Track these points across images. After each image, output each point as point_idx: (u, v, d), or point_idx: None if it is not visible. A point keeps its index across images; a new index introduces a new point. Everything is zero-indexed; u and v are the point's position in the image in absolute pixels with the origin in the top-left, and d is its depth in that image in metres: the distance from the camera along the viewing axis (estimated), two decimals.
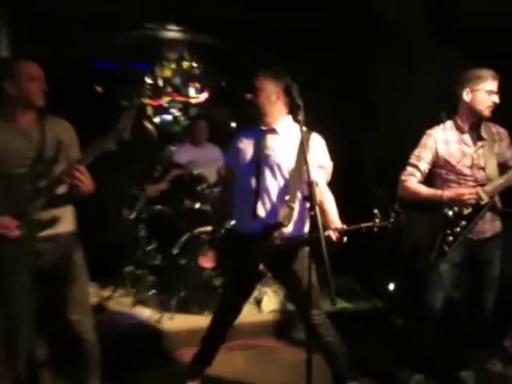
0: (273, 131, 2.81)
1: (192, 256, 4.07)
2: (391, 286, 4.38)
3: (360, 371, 3.03)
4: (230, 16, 5.10)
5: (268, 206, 2.76)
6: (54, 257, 2.58)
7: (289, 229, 2.75)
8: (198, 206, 4.34)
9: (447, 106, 3.08)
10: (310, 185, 2.25)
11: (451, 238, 2.88)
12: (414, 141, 3.08)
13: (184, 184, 4.45)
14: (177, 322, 3.96)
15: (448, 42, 3.90)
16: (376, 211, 2.51)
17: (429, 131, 3.04)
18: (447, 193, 2.88)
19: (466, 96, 2.87)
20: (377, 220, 2.52)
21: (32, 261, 2.52)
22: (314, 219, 2.20)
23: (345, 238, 2.62)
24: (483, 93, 2.82)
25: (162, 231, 4.57)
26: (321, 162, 2.80)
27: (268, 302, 4.24)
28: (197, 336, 3.32)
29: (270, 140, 2.80)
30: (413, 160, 3.03)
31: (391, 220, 2.48)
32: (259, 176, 2.76)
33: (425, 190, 2.98)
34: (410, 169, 3.03)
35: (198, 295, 4.06)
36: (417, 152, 3.03)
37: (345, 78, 5.00)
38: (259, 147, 2.79)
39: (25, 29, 3.46)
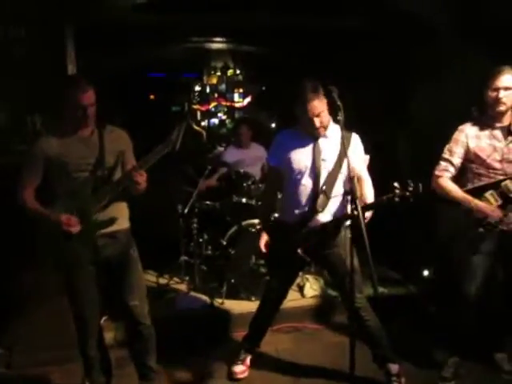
0: (324, 136, 2.78)
1: (240, 246, 4.09)
2: (425, 273, 4.27)
3: (397, 353, 2.97)
4: (269, 24, 5.07)
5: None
6: (113, 251, 2.62)
7: (324, 216, 2.75)
8: (244, 200, 4.33)
9: (478, 102, 2.97)
10: (351, 180, 2.20)
11: (482, 229, 2.78)
12: (445, 136, 2.98)
13: (231, 181, 4.46)
14: (227, 307, 3.97)
15: (476, 39, 3.75)
16: (396, 184, 2.43)
17: (460, 127, 2.94)
18: (476, 203, 2.76)
19: (485, 93, 2.80)
20: (396, 191, 2.42)
21: (94, 254, 2.57)
22: (355, 212, 2.16)
23: (367, 214, 2.57)
24: (489, 90, 2.76)
25: (212, 224, 4.60)
26: (363, 157, 2.82)
27: (310, 288, 4.21)
28: (246, 319, 3.34)
29: (323, 144, 2.77)
30: (446, 155, 2.94)
31: (410, 189, 2.38)
32: (316, 178, 2.74)
33: (456, 191, 2.85)
34: (443, 163, 2.93)
35: (246, 282, 4.06)
36: (449, 147, 2.93)
37: (377, 77, 4.89)
38: (313, 153, 2.76)
39: (86, 41, 3.50)
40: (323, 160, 2.75)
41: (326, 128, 2.75)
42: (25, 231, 2.96)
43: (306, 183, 2.77)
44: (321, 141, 2.77)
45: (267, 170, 3.33)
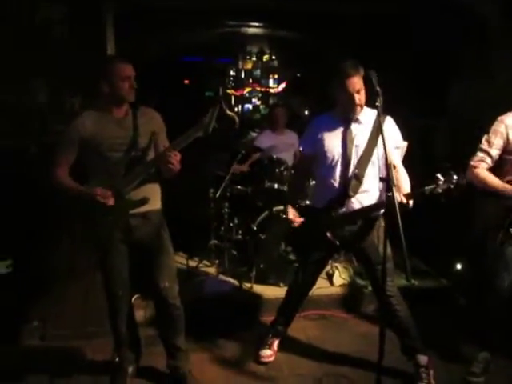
0: (357, 121, 2.74)
1: (270, 232, 4.10)
2: (458, 266, 4.19)
3: (426, 346, 2.92)
4: (306, 9, 4.99)
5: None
6: (144, 231, 2.66)
7: (356, 201, 2.72)
8: (276, 186, 4.31)
9: None
10: (388, 167, 2.15)
11: None
12: (484, 128, 2.90)
13: (264, 166, 4.44)
14: (255, 292, 4.00)
15: None
16: (438, 175, 2.37)
17: (500, 117, 2.85)
18: None
19: None
20: (440, 182, 2.38)
21: (127, 234, 2.62)
22: (391, 200, 2.12)
23: (411, 202, 2.51)
24: None
25: (244, 209, 4.62)
26: (396, 143, 2.74)
27: (339, 276, 4.20)
28: (273, 305, 3.36)
29: (355, 130, 2.73)
30: (484, 146, 2.86)
31: (454, 181, 2.32)
32: (349, 163, 2.71)
33: (495, 181, 2.78)
34: (480, 154, 2.86)
35: (275, 268, 4.08)
36: (488, 138, 2.85)
37: (418, 64, 4.77)
38: (346, 138, 2.72)
39: (124, 25, 3.54)
40: (356, 145, 2.71)
41: (362, 107, 2.70)
42: (61, 209, 3.05)
43: (339, 168, 2.73)
44: (354, 126, 2.73)
45: (298, 156, 3.30)
